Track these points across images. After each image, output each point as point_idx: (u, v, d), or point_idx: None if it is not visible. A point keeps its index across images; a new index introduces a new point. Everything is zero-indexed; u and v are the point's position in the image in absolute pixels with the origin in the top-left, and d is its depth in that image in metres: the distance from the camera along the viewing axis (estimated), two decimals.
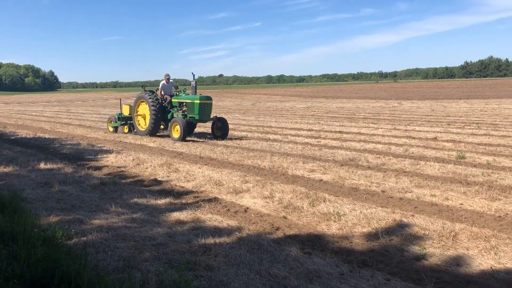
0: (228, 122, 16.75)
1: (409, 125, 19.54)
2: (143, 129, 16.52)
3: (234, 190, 7.65)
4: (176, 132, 14.85)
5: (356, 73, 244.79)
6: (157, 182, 8.63)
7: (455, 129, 17.34)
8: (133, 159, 10.76)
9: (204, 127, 19.85)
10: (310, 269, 4.24)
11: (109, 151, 12.47)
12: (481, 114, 25.67)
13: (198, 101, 15.02)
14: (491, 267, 4.34)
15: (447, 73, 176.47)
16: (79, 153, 12.46)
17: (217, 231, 5.41)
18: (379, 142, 13.79)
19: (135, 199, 7.12)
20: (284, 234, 5.51)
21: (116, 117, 18.10)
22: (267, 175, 9.14)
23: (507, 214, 6.15)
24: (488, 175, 8.64)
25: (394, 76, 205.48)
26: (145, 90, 16.58)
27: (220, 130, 15.71)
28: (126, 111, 18.00)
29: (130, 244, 4.89)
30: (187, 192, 7.74)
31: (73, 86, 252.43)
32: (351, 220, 5.85)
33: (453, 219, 5.99)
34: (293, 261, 4.45)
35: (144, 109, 16.43)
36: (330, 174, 8.95)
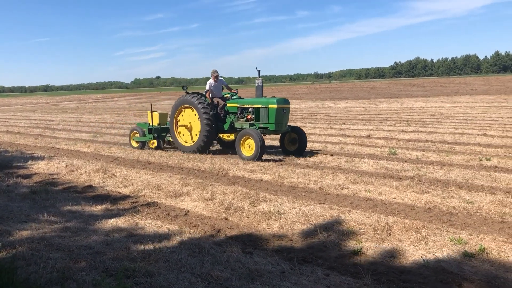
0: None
1: (344, 124, 20.20)
2: (189, 144, 12.38)
3: (174, 193, 7.53)
4: (248, 148, 10.90)
5: (293, 74, 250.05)
6: (92, 188, 8.31)
7: (387, 127, 18.15)
8: (66, 166, 10.29)
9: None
10: (251, 269, 4.26)
11: (40, 158, 11.84)
12: (411, 112, 27.06)
13: (275, 106, 11.00)
14: (422, 257, 4.57)
15: (379, 73, 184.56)
16: (6, 161, 11.72)
17: (157, 236, 5.30)
18: (316, 141, 14.15)
19: (69, 207, 6.81)
20: (226, 235, 5.50)
21: (144, 129, 13.52)
22: (208, 177, 9.09)
23: (436, 206, 6.52)
24: (418, 169, 9.12)
25: (329, 77, 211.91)
26: (189, 92, 12.52)
27: (295, 143, 11.69)
28: (154, 121, 13.51)
29: (64, 254, 4.67)
30: (125, 198, 7.52)
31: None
32: (291, 218, 5.95)
33: (387, 212, 6.26)
34: (235, 262, 4.45)
35: (190, 118, 12.38)
36: (270, 174, 9.06)
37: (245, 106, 11.84)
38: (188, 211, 6.61)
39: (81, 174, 9.47)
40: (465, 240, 4.97)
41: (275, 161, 10.58)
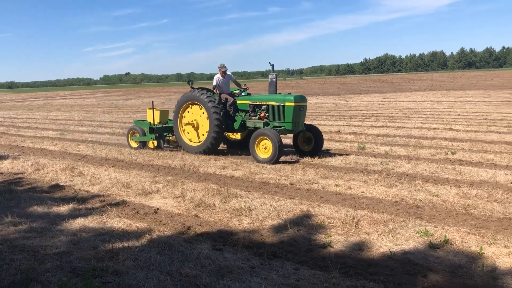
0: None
1: (315, 119, 20.37)
2: (195, 144, 11.39)
3: (143, 191, 7.44)
4: (264, 150, 9.94)
5: (264, 70, 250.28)
6: (59, 187, 8.12)
7: (356, 122, 18.42)
8: (32, 164, 10.00)
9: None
10: (221, 265, 4.25)
11: (3, 157, 11.47)
12: (379, 108, 27.54)
13: (292, 104, 10.10)
14: (389, 249, 4.67)
15: (349, 70, 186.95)
16: None
17: (126, 235, 5.22)
18: (287, 137, 14.21)
19: (35, 207, 6.63)
20: (196, 232, 5.47)
21: (144, 128, 12.44)
22: (178, 174, 9.01)
23: (403, 199, 6.67)
24: (386, 163, 9.29)
25: (300, 73, 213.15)
26: (196, 88, 11.42)
27: (309, 143, 10.78)
28: (152, 118, 12.43)
29: (28, 255, 4.55)
30: (93, 196, 7.38)
31: None
32: (262, 214, 5.97)
33: (355, 206, 6.36)
34: (205, 259, 4.43)
35: (196, 115, 11.38)
36: (242, 170, 9.06)
37: (258, 103, 10.93)
38: (158, 209, 6.54)
39: (47, 173, 9.24)
40: (431, 232, 5.09)
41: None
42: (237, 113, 11.30)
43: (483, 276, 4.01)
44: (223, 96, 11.33)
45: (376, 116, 21.21)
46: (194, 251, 4.66)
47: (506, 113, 20.72)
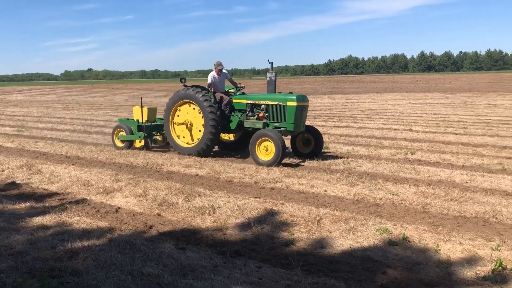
0: (99, 119, 15.14)
1: None
2: (188, 145, 10.71)
3: (104, 190, 7.28)
4: (266, 152, 9.41)
5: (231, 69, 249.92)
6: (15, 185, 7.83)
7: (320, 122, 18.69)
8: None
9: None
10: (184, 264, 4.22)
11: None
12: (343, 108, 28.04)
13: (294, 103, 9.66)
14: (350, 247, 4.77)
15: (313, 71, 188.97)
16: None
17: (86, 234, 5.10)
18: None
19: None
20: (158, 231, 5.41)
21: (131, 126, 11.64)
22: (141, 172, 8.88)
23: (364, 197, 6.82)
24: (348, 163, 9.48)
25: (266, 73, 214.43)
26: (190, 86, 10.75)
27: (308, 145, 10.36)
28: (140, 116, 11.70)
29: None
30: (51, 195, 7.16)
31: None
32: (226, 212, 5.96)
33: (318, 204, 6.45)
34: (167, 258, 4.39)
35: (190, 115, 10.70)
36: (206, 169, 9.01)
37: (256, 102, 10.40)
38: (119, 208, 6.42)
39: (3, 171, 8.89)
40: (390, 229, 5.23)
41: (213, 156, 10.41)
42: (232, 113, 10.76)
43: (439, 272, 4.15)
44: (218, 95, 10.75)
45: (339, 116, 21.58)
46: (156, 250, 4.60)
47: (463, 115, 21.55)
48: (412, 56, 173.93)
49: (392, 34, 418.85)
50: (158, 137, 12.07)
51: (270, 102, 10.09)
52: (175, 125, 10.95)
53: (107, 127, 17.31)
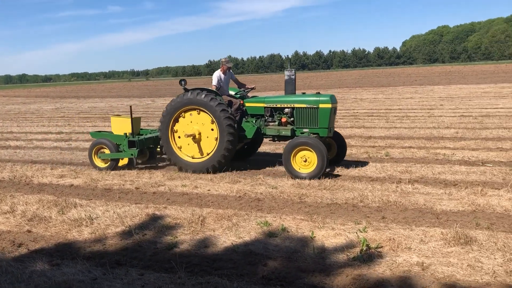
0: None
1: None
2: (195, 160, 8.86)
3: None
4: (304, 163, 7.95)
5: (107, 71, 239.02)
6: None
7: None
8: None
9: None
10: (59, 281, 3.95)
11: None
12: None
13: (329, 105, 8.42)
14: (232, 243, 4.87)
15: (195, 71, 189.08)
16: None
17: None
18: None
19: None
20: (29, 249, 4.97)
21: (116, 143, 9.33)
22: (7, 187, 8.08)
23: (245, 193, 7.01)
24: None
25: (146, 74, 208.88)
26: (192, 89, 8.87)
27: (330, 150, 9.02)
28: (119, 129, 9.56)
29: None
30: None
31: None
32: (104, 222, 5.70)
33: (201, 205, 6.48)
34: (39, 277, 4.07)
35: (198, 124, 8.79)
36: (82, 178, 8.52)
37: (277, 106, 8.90)
38: None
39: None
40: (270, 222, 5.46)
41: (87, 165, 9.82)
42: (244, 119, 9.23)
43: (314, 258, 4.43)
44: (225, 98, 9.05)
45: None
46: (26, 270, 4.24)
47: None
48: (287, 55, 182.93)
49: (269, 34, 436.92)
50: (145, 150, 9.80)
51: (297, 105, 8.67)
52: (177, 138, 9.02)
53: None
